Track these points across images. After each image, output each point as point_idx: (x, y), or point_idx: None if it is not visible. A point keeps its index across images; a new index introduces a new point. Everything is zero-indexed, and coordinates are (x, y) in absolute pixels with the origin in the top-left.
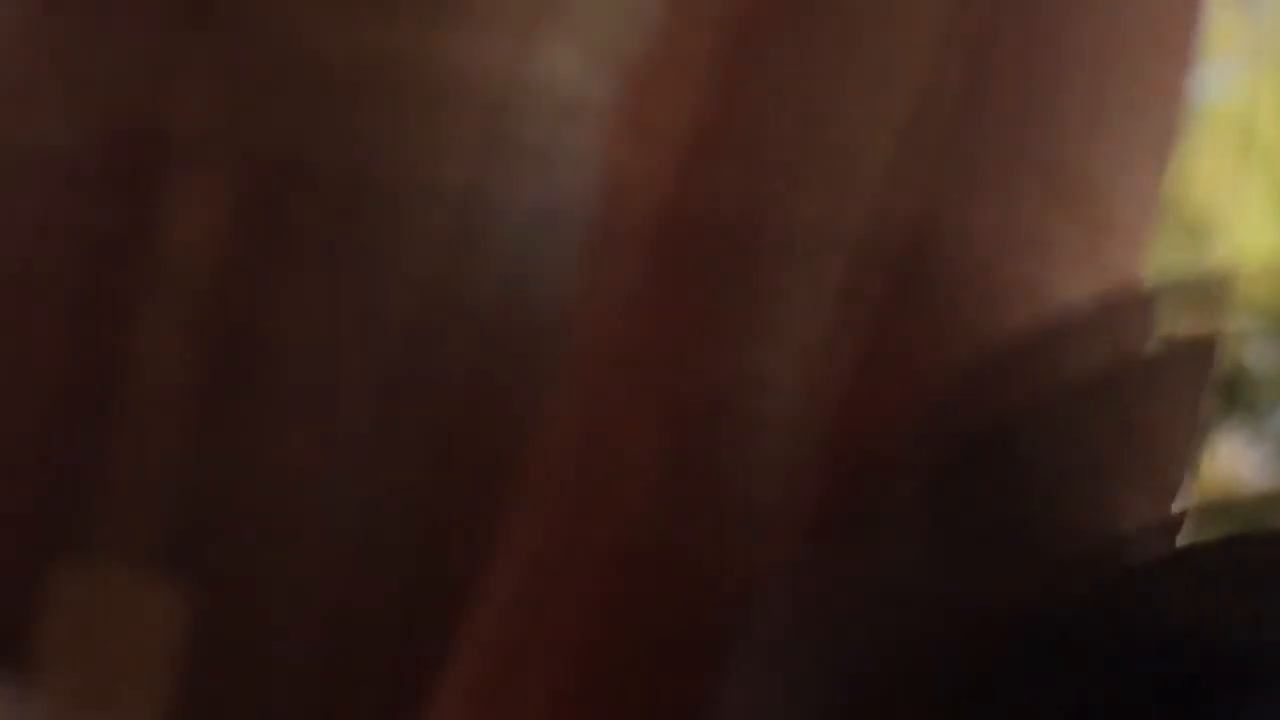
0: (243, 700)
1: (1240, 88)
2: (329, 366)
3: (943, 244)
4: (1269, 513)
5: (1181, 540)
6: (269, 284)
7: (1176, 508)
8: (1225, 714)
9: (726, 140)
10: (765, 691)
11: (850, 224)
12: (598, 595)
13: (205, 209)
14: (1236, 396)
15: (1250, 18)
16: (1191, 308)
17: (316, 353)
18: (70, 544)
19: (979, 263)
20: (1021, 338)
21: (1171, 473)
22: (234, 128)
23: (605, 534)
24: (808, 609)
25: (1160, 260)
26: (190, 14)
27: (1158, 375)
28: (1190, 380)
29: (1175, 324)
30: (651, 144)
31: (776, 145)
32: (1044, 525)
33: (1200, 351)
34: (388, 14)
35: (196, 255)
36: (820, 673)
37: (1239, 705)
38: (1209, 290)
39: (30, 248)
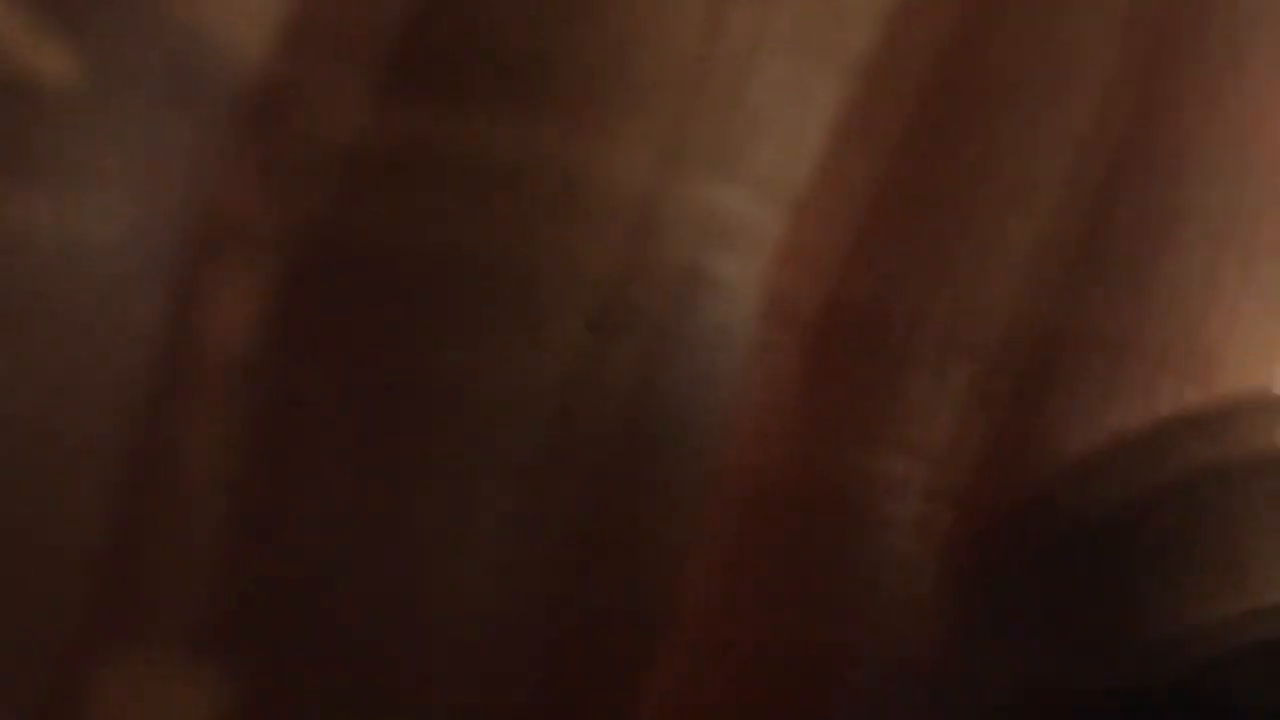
0: None
1: None
2: (389, 466)
3: (1056, 386)
4: None
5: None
6: (318, 379)
7: (1272, 602)
8: None
9: (870, 254)
10: None
11: (980, 335)
12: (742, 694)
13: (256, 303)
14: None
15: None
16: None
17: (373, 450)
18: (114, 635)
19: (1088, 409)
20: (1135, 435)
21: (1269, 570)
22: (287, 221)
23: (747, 631)
24: (910, 688)
25: None
26: (248, 109)
27: (1265, 473)
28: None
29: None
30: (806, 267)
31: (915, 260)
32: (1140, 612)
33: None
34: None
35: (247, 349)
36: None
37: None
38: None
39: (76, 340)
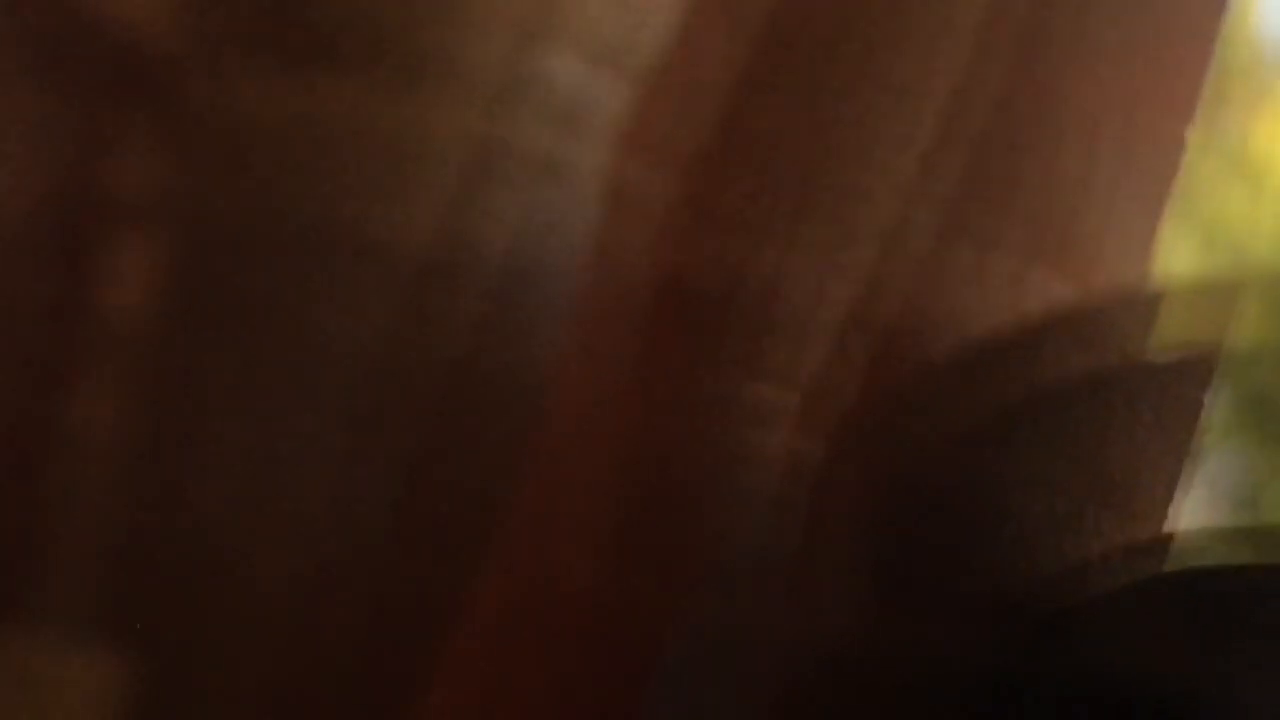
0: None
1: None
2: (274, 430)
3: (929, 295)
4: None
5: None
6: (209, 347)
7: (1154, 532)
8: None
9: (735, 154)
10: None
11: (861, 253)
12: (570, 631)
13: (145, 273)
14: None
15: None
16: (1196, 314)
17: (260, 416)
18: (2, 611)
19: (953, 306)
20: (1004, 338)
21: (1152, 494)
22: (175, 191)
23: (576, 576)
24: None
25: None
26: (131, 83)
27: (1146, 384)
28: (1183, 393)
29: (1174, 331)
30: (656, 160)
31: (780, 188)
32: (1000, 555)
33: (1197, 363)
34: (353, 69)
35: (136, 319)
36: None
37: None
38: (1217, 295)
39: None
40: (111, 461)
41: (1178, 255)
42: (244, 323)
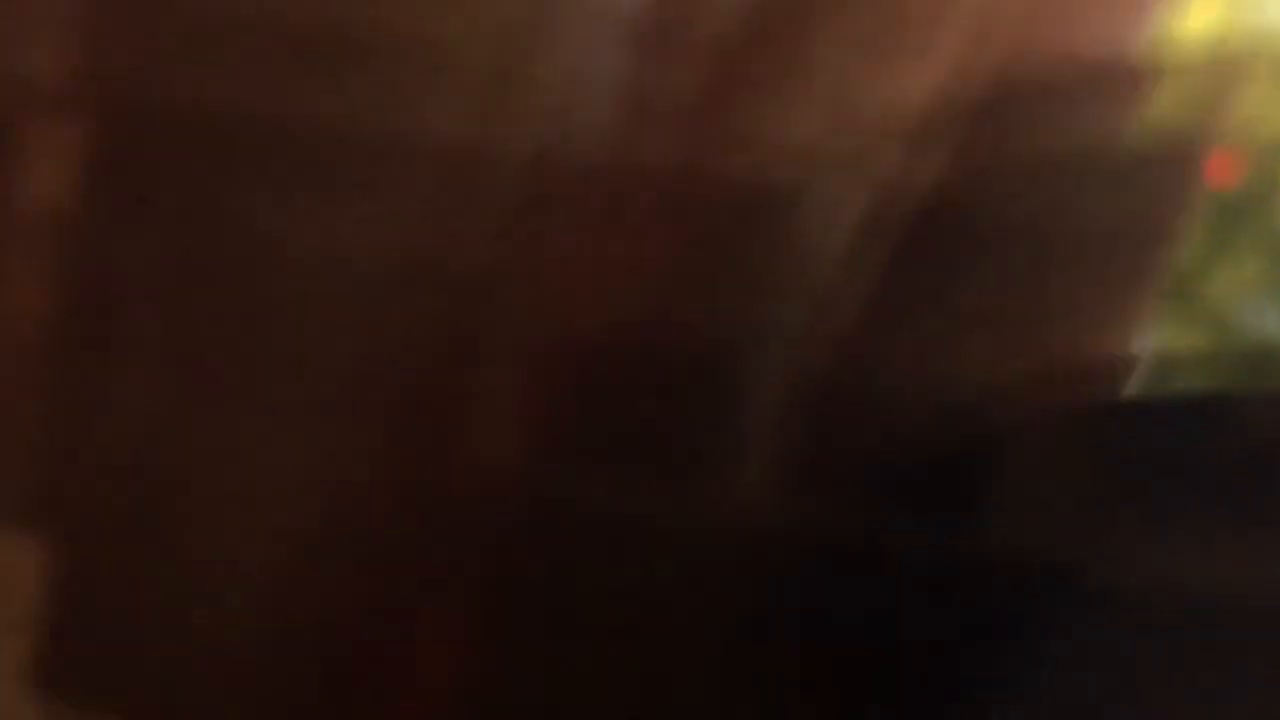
0: (106, 662)
1: None
2: (199, 325)
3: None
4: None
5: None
6: (138, 239)
7: (1122, 350)
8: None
9: (742, 86)
10: None
11: (873, 179)
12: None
13: (73, 161)
14: None
15: None
16: (1187, 91)
17: (180, 308)
18: None
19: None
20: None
21: (1123, 302)
22: (108, 77)
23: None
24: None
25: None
26: None
27: (1127, 169)
28: (1166, 182)
29: (1159, 110)
30: (659, 104)
31: (797, 98)
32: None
33: (1182, 146)
34: None
35: (62, 208)
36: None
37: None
38: (1215, 68)
39: None
40: (38, 354)
41: None
42: (173, 219)
